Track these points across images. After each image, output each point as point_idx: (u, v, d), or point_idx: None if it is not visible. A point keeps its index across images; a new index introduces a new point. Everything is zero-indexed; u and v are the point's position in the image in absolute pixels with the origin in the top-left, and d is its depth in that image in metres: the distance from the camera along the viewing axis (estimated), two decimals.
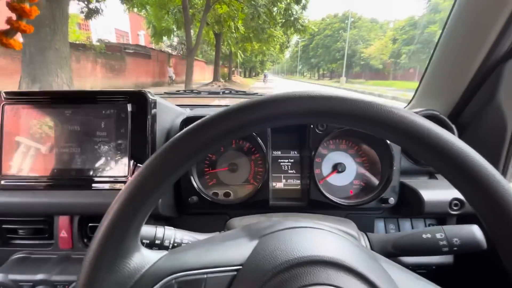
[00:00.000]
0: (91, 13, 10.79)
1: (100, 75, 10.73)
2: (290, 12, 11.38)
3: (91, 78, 10.20)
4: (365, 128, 0.26)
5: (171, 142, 0.26)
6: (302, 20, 11.78)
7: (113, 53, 11.53)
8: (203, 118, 0.26)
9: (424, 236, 0.44)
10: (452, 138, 0.24)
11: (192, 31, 12.13)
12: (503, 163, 0.66)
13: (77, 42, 11.81)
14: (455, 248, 0.43)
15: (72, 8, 9.47)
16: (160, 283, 0.28)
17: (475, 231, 0.44)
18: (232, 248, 0.32)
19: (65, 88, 4.52)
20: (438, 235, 0.43)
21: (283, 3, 11.24)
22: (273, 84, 20.66)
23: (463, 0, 0.69)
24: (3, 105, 0.61)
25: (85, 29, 16.35)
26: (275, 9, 11.27)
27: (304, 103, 0.25)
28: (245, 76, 44.32)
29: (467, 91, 0.71)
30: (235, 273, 0.29)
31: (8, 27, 0.44)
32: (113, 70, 11.47)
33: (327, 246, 0.30)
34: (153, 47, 16.91)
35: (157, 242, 0.43)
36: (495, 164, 0.66)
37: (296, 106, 0.25)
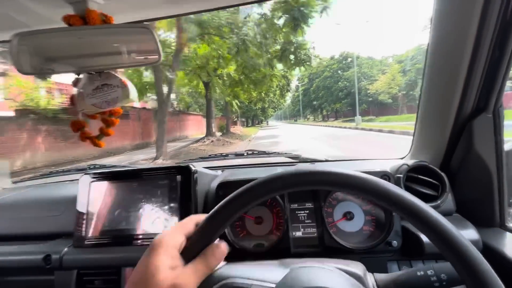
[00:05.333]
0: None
1: (48, 146, 8.16)
2: (290, 40, 8.60)
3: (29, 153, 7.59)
4: (343, 190, 0.51)
5: (218, 207, 0.41)
6: (306, 49, 8.95)
7: (74, 116, 9.16)
8: (237, 191, 0.41)
9: (418, 273, 0.49)
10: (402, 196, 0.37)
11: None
12: (498, 205, 0.73)
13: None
14: (444, 283, 0.48)
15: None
16: (220, 283, 0.40)
17: None
18: (271, 271, 0.44)
19: None
20: (429, 272, 0.48)
21: (281, 33, 8.55)
22: (277, 130, 24.38)
23: (429, 62, 0.81)
24: (90, 182, 0.86)
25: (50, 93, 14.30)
26: (268, 41, 8.73)
27: (294, 178, 0.40)
28: (247, 126, 42.22)
29: (450, 142, 0.82)
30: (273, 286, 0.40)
31: (99, 133, 0.69)
32: (71, 137, 8.96)
33: (326, 279, 0.41)
34: (133, 106, 14.83)
35: None
36: (490, 205, 0.74)
37: (290, 180, 0.40)
